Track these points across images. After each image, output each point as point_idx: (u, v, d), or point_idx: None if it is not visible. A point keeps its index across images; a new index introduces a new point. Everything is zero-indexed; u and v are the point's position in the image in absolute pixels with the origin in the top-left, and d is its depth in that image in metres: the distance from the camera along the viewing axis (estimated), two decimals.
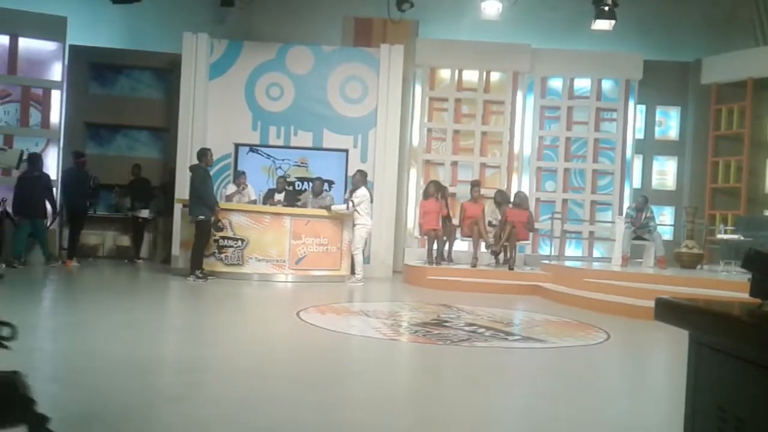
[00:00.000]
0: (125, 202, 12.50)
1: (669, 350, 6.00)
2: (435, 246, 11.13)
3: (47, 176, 11.11)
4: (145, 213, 12.36)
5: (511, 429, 3.83)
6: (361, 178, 10.58)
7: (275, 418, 3.50)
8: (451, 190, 12.30)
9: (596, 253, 13.11)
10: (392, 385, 4.57)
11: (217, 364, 4.80)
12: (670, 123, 13.73)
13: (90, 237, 12.47)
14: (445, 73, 13.06)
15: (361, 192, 10.37)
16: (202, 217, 9.73)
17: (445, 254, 11.34)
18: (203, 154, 10.04)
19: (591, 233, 13.17)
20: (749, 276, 1.66)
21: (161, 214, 12.63)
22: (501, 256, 11.13)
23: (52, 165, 12.09)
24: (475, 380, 4.79)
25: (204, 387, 4.10)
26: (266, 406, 3.73)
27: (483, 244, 11.11)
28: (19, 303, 6.92)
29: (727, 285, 8.35)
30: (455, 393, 4.37)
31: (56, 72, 12.24)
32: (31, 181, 10.59)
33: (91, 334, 5.64)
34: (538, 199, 13.08)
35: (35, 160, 10.74)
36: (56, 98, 12.25)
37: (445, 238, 11.24)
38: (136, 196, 12.38)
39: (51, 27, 11.88)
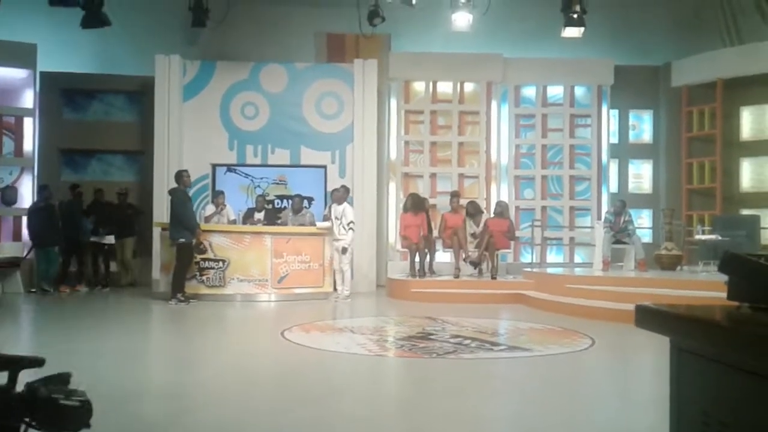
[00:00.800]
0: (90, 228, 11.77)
1: (653, 354, 6.02)
2: (417, 259, 11.12)
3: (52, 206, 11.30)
4: (110, 239, 11.71)
5: None
6: (345, 194, 10.57)
7: None
8: (431, 201, 12.31)
9: (577, 259, 13.18)
10: (380, 401, 4.54)
11: (202, 389, 4.74)
12: (643, 126, 13.88)
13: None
14: (419, 86, 13.11)
15: (350, 210, 10.39)
16: (183, 240, 9.65)
17: (426, 267, 11.32)
18: (179, 176, 9.99)
19: (571, 239, 13.25)
20: (726, 279, 1.67)
21: (126, 236, 12.05)
22: (486, 265, 11.13)
23: (27, 194, 11.95)
24: (462, 392, 4.78)
25: (189, 413, 4.05)
26: (252, 429, 3.69)
27: (463, 255, 11.12)
28: (5, 330, 6.81)
29: (707, 285, 8.42)
30: (444, 405, 4.36)
31: (28, 99, 12.11)
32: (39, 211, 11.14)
33: (74, 362, 5.55)
34: (517, 207, 13.14)
35: (42, 190, 11.38)
36: (29, 126, 12.12)
37: (426, 250, 11.23)
38: (99, 222, 11.67)
39: (20, 54, 11.78)
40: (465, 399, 4.55)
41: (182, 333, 7.72)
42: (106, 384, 4.80)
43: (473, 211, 11.30)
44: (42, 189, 11.39)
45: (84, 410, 1.06)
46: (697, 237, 11.28)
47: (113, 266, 12.11)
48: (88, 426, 1.02)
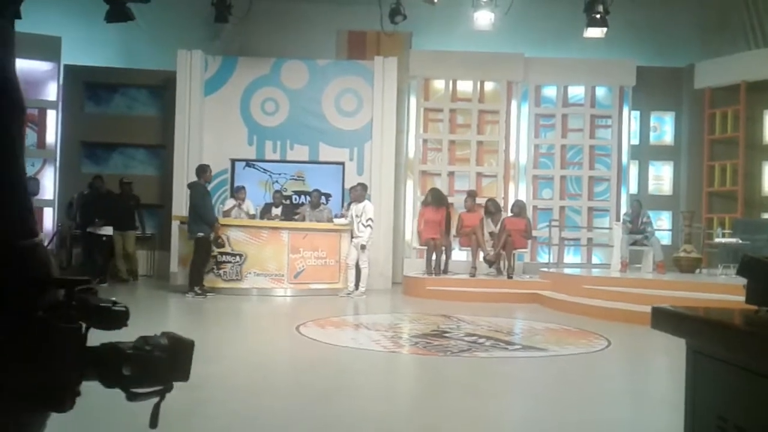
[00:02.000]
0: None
1: (670, 356, 5.98)
2: (434, 256, 11.12)
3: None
4: (107, 230, 11.11)
5: None
6: (363, 191, 10.59)
7: None
8: (449, 200, 12.29)
9: (595, 260, 13.12)
10: (394, 398, 4.56)
11: (218, 381, 4.78)
12: (664, 128, 13.77)
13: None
14: (439, 84, 13.10)
15: (370, 207, 10.40)
16: (201, 234, 9.71)
17: (443, 265, 11.31)
18: (202, 170, 10.03)
19: (589, 240, 13.18)
20: (744, 282, 1.67)
21: (127, 228, 11.64)
22: (503, 264, 11.09)
23: (49, 185, 12.11)
24: (476, 391, 4.78)
25: (206, 404, 4.09)
26: (267, 422, 3.72)
27: (481, 254, 11.10)
28: None
29: (726, 289, 8.35)
30: (457, 404, 4.36)
31: (51, 92, 12.27)
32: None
33: None
34: (535, 207, 13.09)
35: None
36: (52, 118, 12.28)
37: (443, 248, 11.23)
38: (96, 212, 11.04)
39: (45, 47, 11.92)
40: (478, 397, 4.55)
41: (199, 325, 7.78)
42: None
43: (493, 209, 11.28)
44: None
45: (127, 314, 1.33)
46: (717, 240, 11.17)
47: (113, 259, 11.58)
48: (126, 325, 1.29)
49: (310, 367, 5.41)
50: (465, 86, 13.08)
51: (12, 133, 1.13)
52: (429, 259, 11.17)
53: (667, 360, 5.96)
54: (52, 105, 12.26)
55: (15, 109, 1.14)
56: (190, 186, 10.10)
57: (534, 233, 12.03)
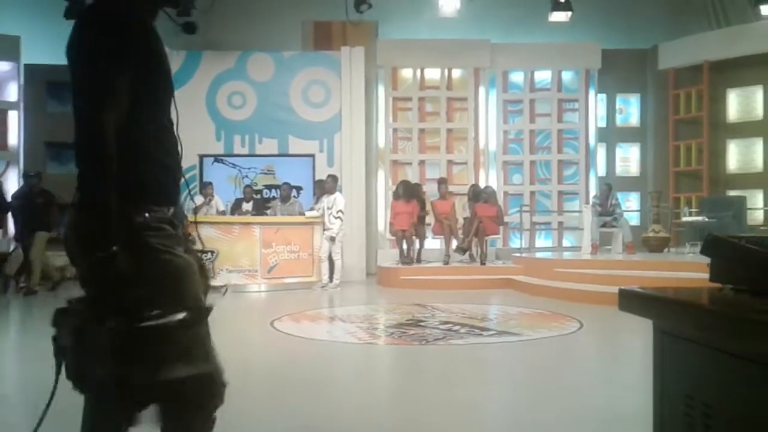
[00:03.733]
0: None
1: (640, 337, 6.05)
2: (404, 246, 11.14)
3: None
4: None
5: (494, 423, 3.84)
6: (333, 183, 10.54)
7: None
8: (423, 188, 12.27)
9: (566, 243, 13.25)
10: (372, 389, 4.56)
11: None
12: (630, 110, 13.92)
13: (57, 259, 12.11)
14: (407, 73, 13.08)
15: (341, 199, 10.36)
16: None
17: (415, 254, 11.33)
18: None
19: (560, 223, 13.30)
20: (708, 261, 1.69)
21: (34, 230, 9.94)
22: (475, 251, 11.15)
23: (12, 188, 11.85)
24: (453, 378, 4.80)
25: None
26: (246, 420, 3.69)
27: (454, 242, 11.14)
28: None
29: (694, 267, 8.47)
30: (436, 392, 4.37)
31: (12, 92, 12.02)
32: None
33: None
34: (506, 193, 13.17)
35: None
36: (14, 119, 12.03)
37: (414, 238, 11.25)
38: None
39: (4, 47, 11.68)
40: (456, 385, 4.57)
41: None
42: None
43: (473, 196, 11.29)
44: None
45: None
46: (684, 219, 11.36)
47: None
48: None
49: (287, 362, 5.38)
50: (433, 74, 13.09)
51: None
52: (401, 249, 11.18)
53: (637, 341, 6.04)
54: (14, 106, 12.03)
55: None
56: None
57: (505, 219, 12.10)
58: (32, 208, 9.88)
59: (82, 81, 1.86)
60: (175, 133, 2.10)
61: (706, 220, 10.63)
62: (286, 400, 4.12)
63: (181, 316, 1.86)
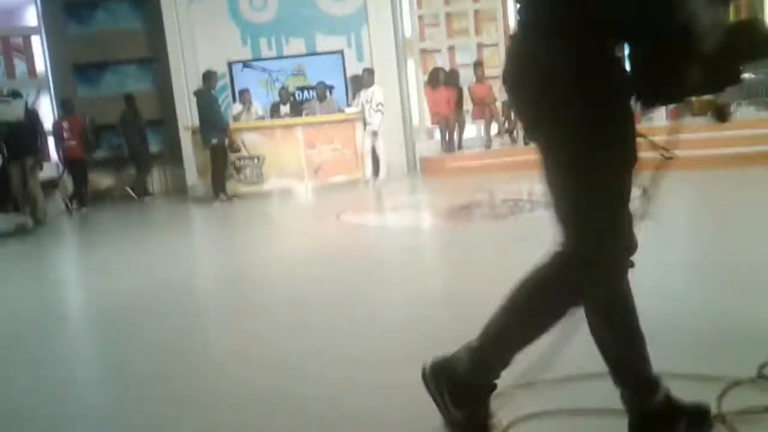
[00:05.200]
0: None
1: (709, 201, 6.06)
2: (446, 135, 11.08)
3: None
4: None
5: None
6: (371, 77, 10.38)
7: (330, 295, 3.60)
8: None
9: None
10: (479, 260, 4.63)
11: (276, 265, 4.83)
12: None
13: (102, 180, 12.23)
14: None
15: (380, 91, 10.20)
16: (215, 140, 9.61)
17: (456, 141, 11.28)
18: (208, 77, 9.78)
19: None
20: None
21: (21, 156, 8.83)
22: (516, 133, 11.07)
23: (47, 114, 11.84)
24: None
25: (264, 287, 4.18)
26: (319, 296, 3.81)
27: (495, 126, 11.07)
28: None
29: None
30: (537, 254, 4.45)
31: (31, 17, 11.80)
32: None
33: (158, 263, 5.64)
34: None
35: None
36: (37, 44, 11.87)
37: (456, 124, 11.17)
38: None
39: None
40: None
41: (242, 227, 7.81)
42: (191, 271, 4.95)
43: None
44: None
45: None
46: None
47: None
48: None
49: (359, 247, 5.49)
50: None
51: None
52: (443, 137, 11.14)
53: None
54: (35, 30, 11.82)
55: None
56: (196, 93, 9.91)
57: None
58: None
59: None
60: None
61: (752, 76, 10.39)
62: (357, 278, 4.24)
63: None
